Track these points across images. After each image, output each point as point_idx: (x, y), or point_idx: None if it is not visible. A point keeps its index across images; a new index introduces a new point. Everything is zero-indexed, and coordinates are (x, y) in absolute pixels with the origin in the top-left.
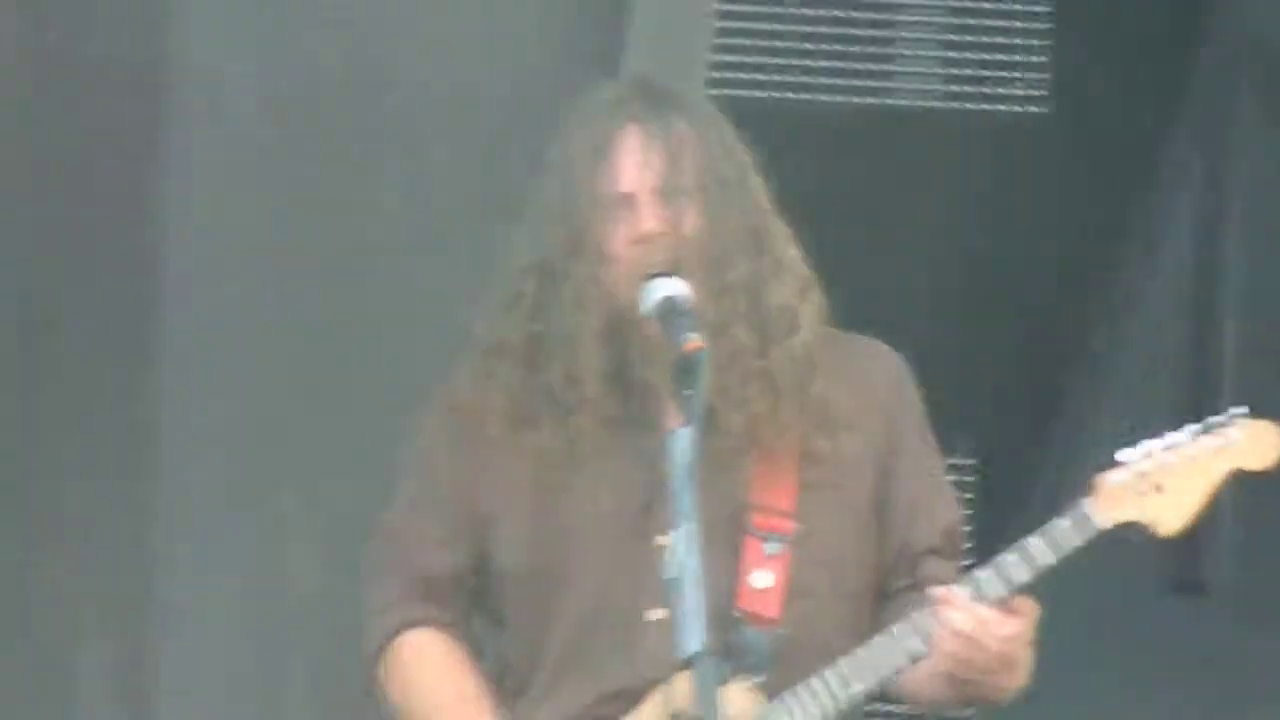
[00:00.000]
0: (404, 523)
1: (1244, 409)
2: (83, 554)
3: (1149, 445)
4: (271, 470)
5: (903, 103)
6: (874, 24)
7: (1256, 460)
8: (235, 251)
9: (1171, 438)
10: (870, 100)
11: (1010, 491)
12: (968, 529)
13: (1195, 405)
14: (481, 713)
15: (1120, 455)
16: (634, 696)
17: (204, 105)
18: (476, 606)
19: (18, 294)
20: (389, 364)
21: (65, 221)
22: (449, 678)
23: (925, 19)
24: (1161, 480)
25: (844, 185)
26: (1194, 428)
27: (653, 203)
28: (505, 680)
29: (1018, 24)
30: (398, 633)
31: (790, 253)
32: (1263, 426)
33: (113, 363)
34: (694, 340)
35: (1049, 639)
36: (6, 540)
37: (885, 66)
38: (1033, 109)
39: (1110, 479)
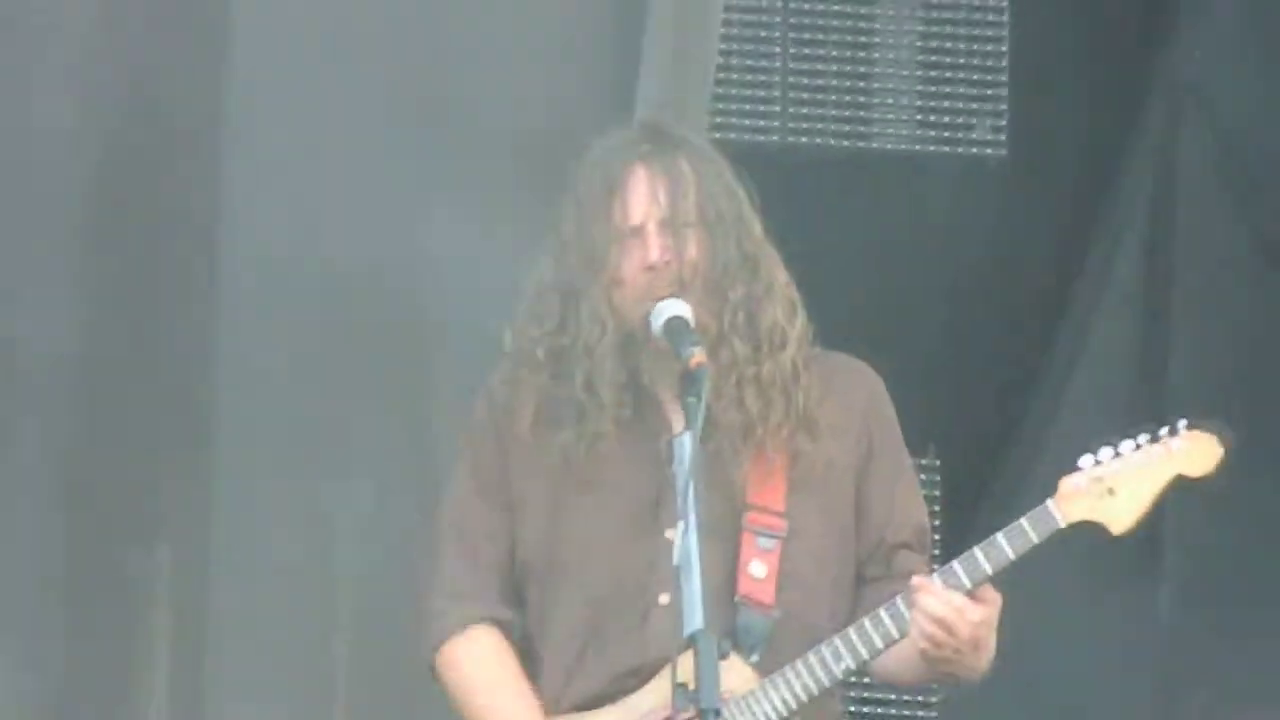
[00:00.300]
0: (466, 515)
1: (1185, 422)
2: (151, 530)
3: (1104, 453)
4: (319, 461)
5: (874, 145)
6: (850, 73)
7: (1197, 468)
8: (290, 270)
9: (1123, 446)
10: (846, 143)
11: (969, 492)
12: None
13: (1142, 418)
14: (534, 707)
15: (1080, 461)
16: (646, 673)
17: (257, 138)
18: None
19: (98, 312)
20: (428, 370)
21: (135, 241)
22: (509, 684)
23: (896, 70)
24: (1114, 484)
25: (823, 219)
26: (1143, 438)
27: (659, 233)
28: (524, 661)
29: (976, 76)
30: (459, 628)
31: (780, 278)
32: (1203, 438)
33: (177, 373)
34: (697, 355)
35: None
36: (102, 525)
37: (861, 112)
38: (993, 151)
39: (1069, 482)
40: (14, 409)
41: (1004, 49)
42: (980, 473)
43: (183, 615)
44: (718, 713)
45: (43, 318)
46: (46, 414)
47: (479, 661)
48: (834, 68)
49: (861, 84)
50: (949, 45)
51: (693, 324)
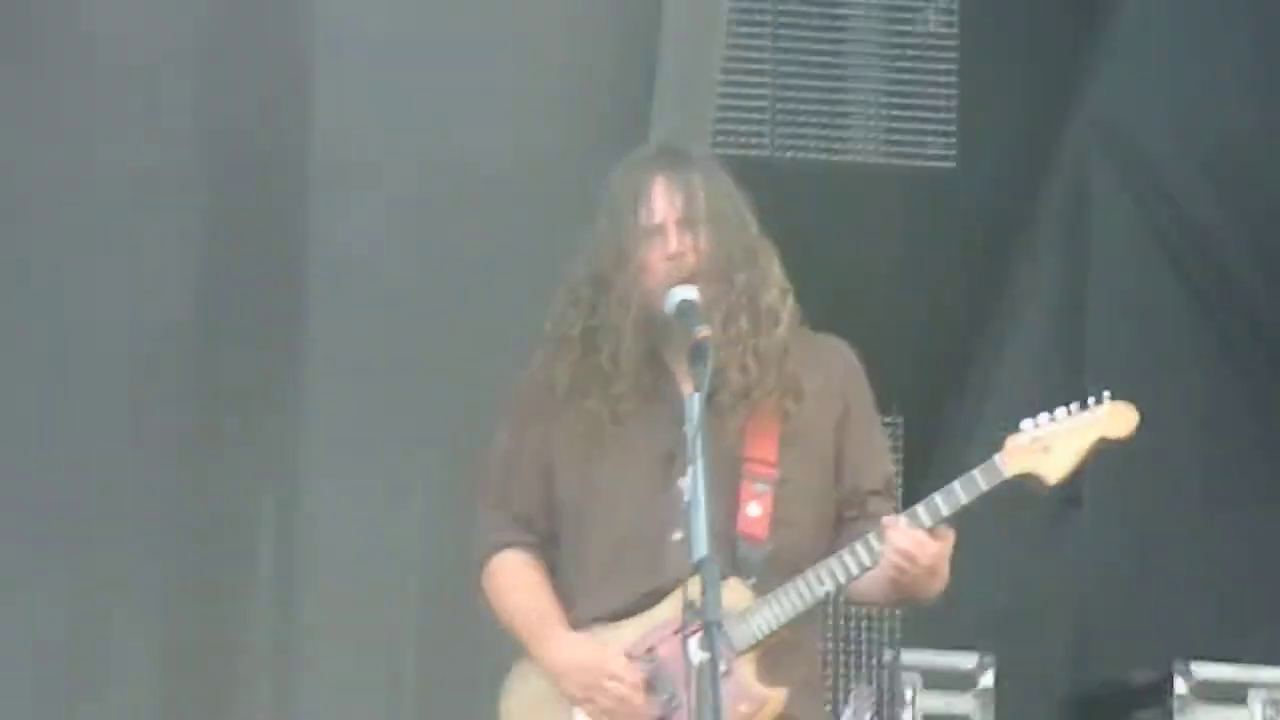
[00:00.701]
0: (503, 466)
1: (1108, 394)
2: (257, 480)
3: (1042, 418)
4: (396, 425)
5: (837, 158)
6: (826, 89)
7: (1117, 430)
8: (371, 261)
9: (1058, 413)
10: (817, 155)
11: (924, 446)
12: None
13: (1065, 390)
14: (554, 620)
15: (1022, 424)
16: (661, 594)
17: (340, 164)
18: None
19: (205, 295)
20: (479, 349)
21: (239, 233)
22: (532, 592)
23: (861, 84)
24: (1050, 443)
25: (804, 222)
26: (1074, 406)
27: (676, 230)
28: (559, 588)
29: (930, 101)
30: (498, 550)
31: (774, 268)
32: (1122, 406)
33: (275, 346)
34: (703, 331)
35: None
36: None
37: (834, 130)
38: (942, 164)
39: (1013, 441)
40: (139, 373)
41: (954, 79)
42: (933, 431)
43: (281, 554)
44: (719, 624)
45: (163, 293)
46: (166, 377)
47: (510, 574)
48: (814, 95)
49: (836, 106)
50: (907, 77)
51: (700, 306)
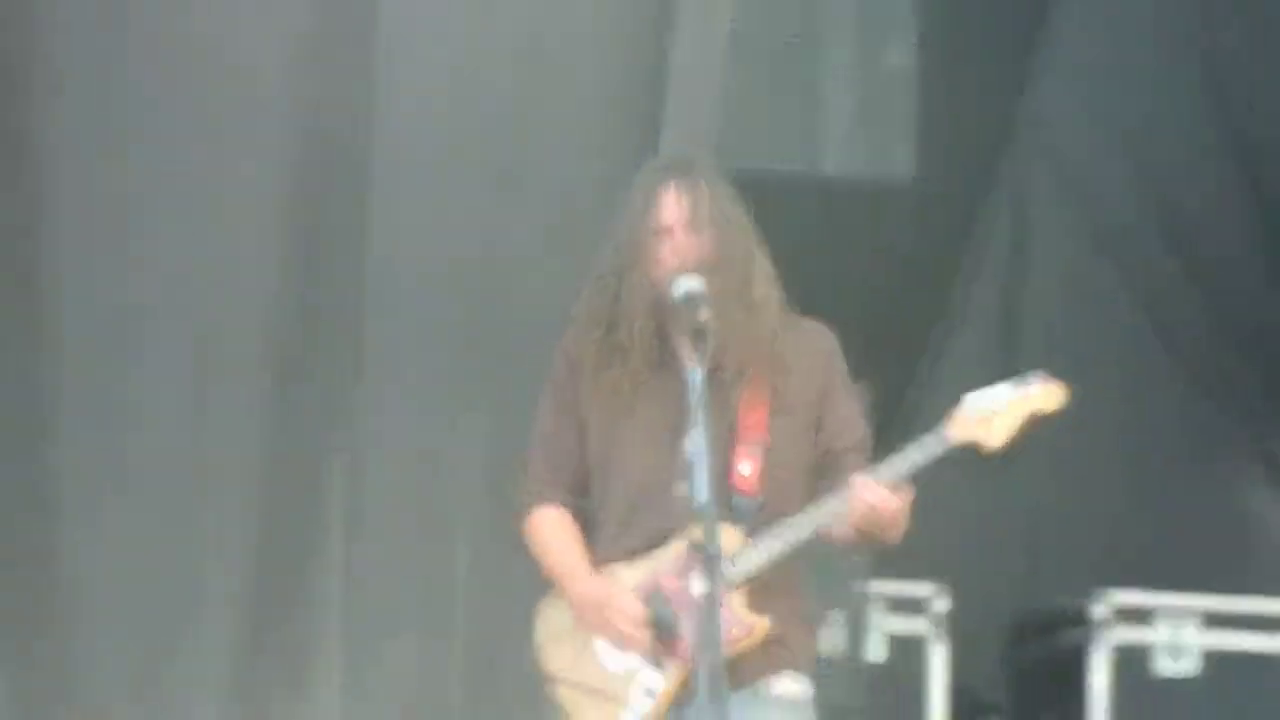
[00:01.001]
0: (548, 430)
1: (1041, 374)
2: (331, 440)
3: (984, 393)
4: (448, 398)
5: (815, 171)
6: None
7: (1048, 405)
8: (424, 255)
9: (998, 389)
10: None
11: (887, 418)
12: None
13: (1004, 372)
14: (579, 564)
15: (967, 398)
16: (670, 536)
17: (400, 160)
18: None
19: (284, 273)
20: (521, 328)
21: (309, 220)
22: (563, 541)
23: (840, 90)
24: (989, 416)
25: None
26: (1011, 382)
27: (684, 231)
28: (588, 531)
29: (892, 115)
30: (538, 505)
31: (765, 263)
32: (1054, 384)
33: (343, 327)
34: (704, 315)
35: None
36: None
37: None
38: (904, 174)
39: (959, 413)
40: (229, 352)
41: (912, 94)
42: (893, 405)
43: (351, 505)
44: (719, 557)
45: (247, 285)
46: (250, 355)
47: (550, 527)
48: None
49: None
50: (871, 93)
51: (702, 294)
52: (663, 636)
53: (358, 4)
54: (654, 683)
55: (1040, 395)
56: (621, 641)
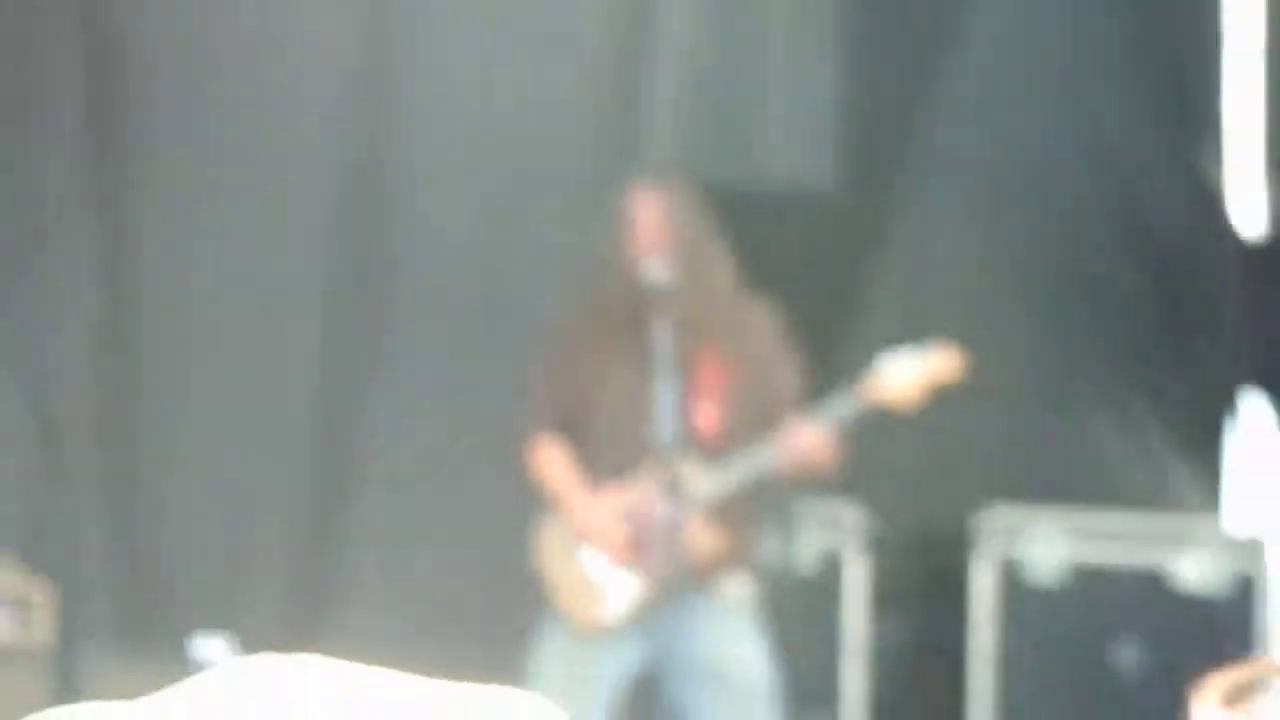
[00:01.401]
0: (544, 384)
1: (938, 341)
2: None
3: (895, 357)
4: (468, 361)
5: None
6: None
7: (948, 375)
8: (448, 253)
9: (904, 354)
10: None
11: (813, 378)
12: None
13: (912, 340)
14: (571, 486)
15: (879, 362)
16: (643, 465)
17: (428, 165)
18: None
19: (332, 263)
20: (527, 305)
21: (351, 218)
22: (559, 466)
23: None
24: (897, 377)
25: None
26: (915, 349)
27: (658, 229)
28: (578, 463)
29: (815, 121)
30: (542, 439)
31: (723, 258)
32: (952, 353)
33: (380, 309)
34: (673, 293)
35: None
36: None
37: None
38: (828, 184)
39: (872, 376)
40: (289, 324)
41: (834, 120)
42: (820, 368)
43: (389, 458)
44: (681, 485)
45: (302, 270)
46: (307, 332)
47: (548, 454)
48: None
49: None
50: (799, 119)
51: (671, 279)
52: (634, 544)
53: (391, 41)
54: (629, 584)
55: (937, 359)
56: (603, 549)
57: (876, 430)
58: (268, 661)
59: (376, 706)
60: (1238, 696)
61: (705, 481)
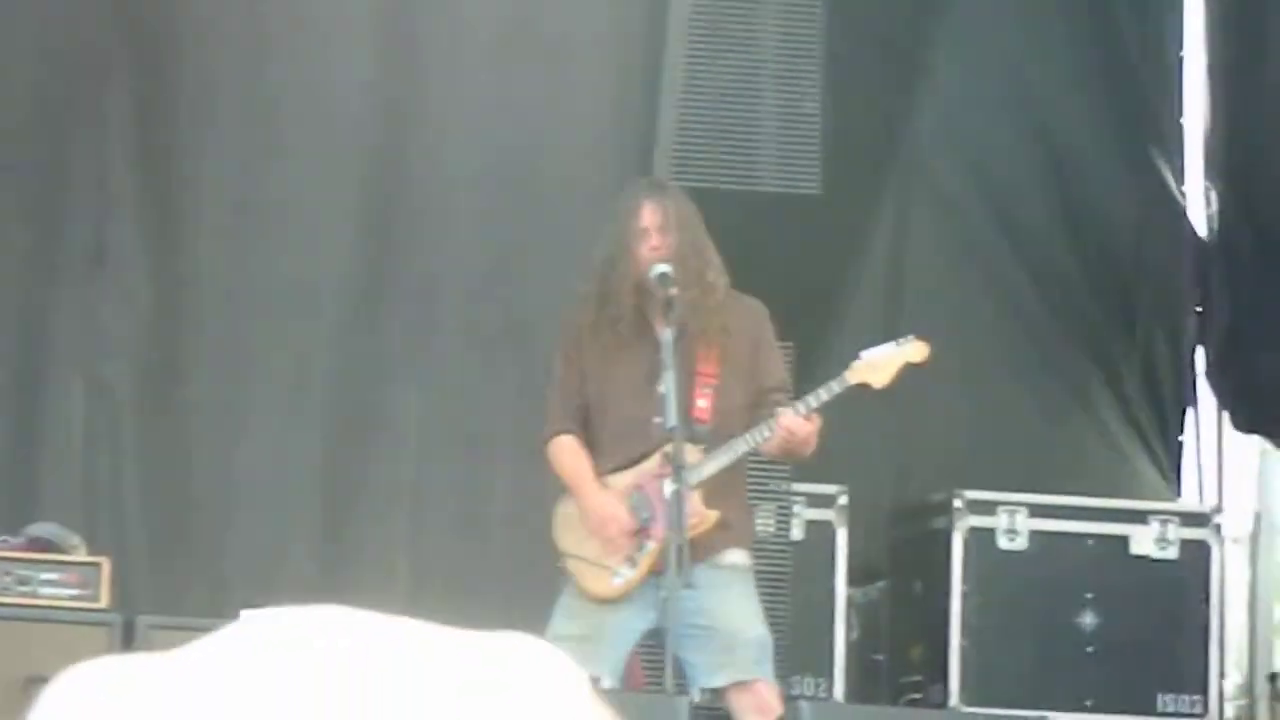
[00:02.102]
0: (560, 379)
1: (912, 336)
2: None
3: (874, 349)
4: (490, 348)
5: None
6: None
7: (918, 358)
8: (468, 250)
9: (884, 346)
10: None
11: (801, 366)
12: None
13: (890, 333)
14: (584, 478)
15: (862, 353)
16: (647, 454)
17: (445, 171)
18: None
19: (362, 258)
20: (543, 304)
21: (379, 216)
22: (574, 461)
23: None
24: (877, 363)
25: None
26: (893, 341)
27: (657, 231)
28: (589, 451)
29: (802, 131)
30: (557, 435)
31: (716, 255)
32: (922, 344)
33: (411, 293)
34: (672, 291)
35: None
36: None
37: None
38: (805, 189)
39: (857, 362)
40: (324, 311)
41: (818, 128)
42: (807, 358)
43: (420, 426)
44: (684, 466)
45: (334, 266)
46: (342, 317)
47: (565, 451)
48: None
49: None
50: (787, 128)
51: (670, 277)
52: (639, 526)
53: (412, 57)
54: (636, 564)
55: (912, 350)
56: (613, 536)
57: (862, 415)
58: (293, 613)
59: (398, 652)
60: None
61: (705, 462)
